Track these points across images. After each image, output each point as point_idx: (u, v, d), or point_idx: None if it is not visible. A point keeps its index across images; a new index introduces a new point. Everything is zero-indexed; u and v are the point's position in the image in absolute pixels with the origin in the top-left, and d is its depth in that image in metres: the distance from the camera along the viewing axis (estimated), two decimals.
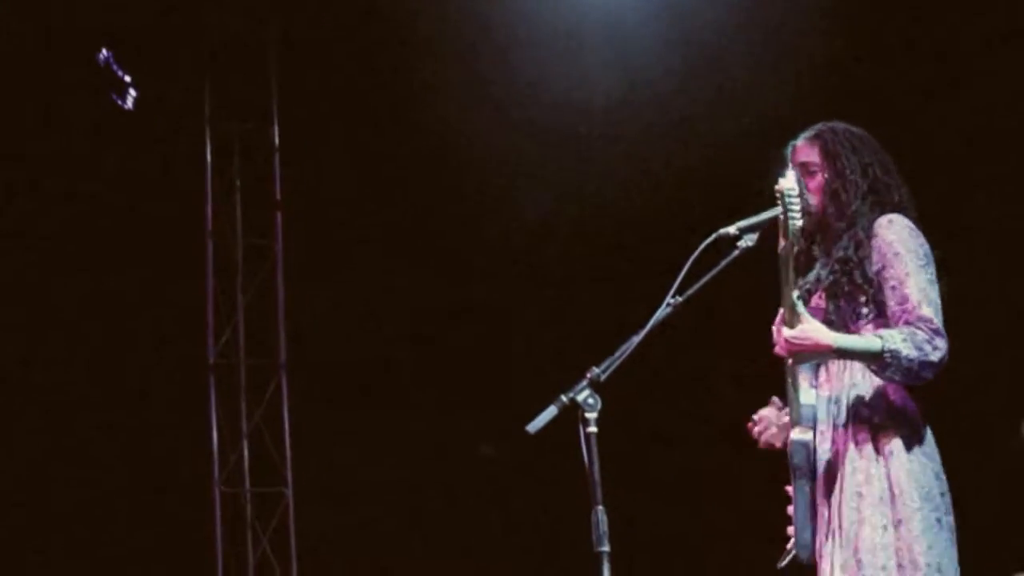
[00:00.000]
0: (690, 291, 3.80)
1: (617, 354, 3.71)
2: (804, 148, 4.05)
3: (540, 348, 9.15)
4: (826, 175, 4.00)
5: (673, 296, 3.79)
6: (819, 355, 3.86)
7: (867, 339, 3.79)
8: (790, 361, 3.93)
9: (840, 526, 3.79)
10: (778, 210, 3.90)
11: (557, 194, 9.08)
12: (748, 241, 3.87)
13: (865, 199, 3.96)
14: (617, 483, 3.80)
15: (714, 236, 3.87)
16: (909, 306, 3.79)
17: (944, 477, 3.85)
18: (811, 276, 4.02)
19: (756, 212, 3.92)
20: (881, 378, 3.80)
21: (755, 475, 4.47)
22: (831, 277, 3.94)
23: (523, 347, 9.24)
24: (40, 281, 8.66)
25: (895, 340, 3.74)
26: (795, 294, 3.84)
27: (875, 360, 3.76)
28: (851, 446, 3.84)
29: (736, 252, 3.88)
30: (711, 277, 3.83)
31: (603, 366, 3.68)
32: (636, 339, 3.73)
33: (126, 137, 8.85)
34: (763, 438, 4.09)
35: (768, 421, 4.09)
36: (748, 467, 4.69)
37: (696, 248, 3.81)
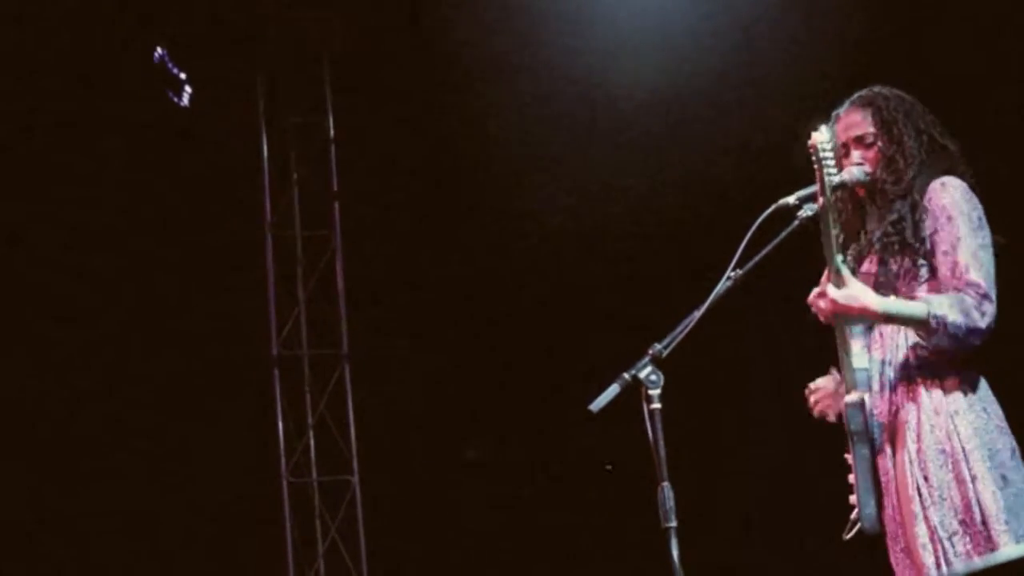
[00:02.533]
0: (750, 264, 3.77)
1: (679, 329, 3.69)
2: (855, 118, 3.96)
3: (610, 337, 9.11)
4: (881, 143, 3.93)
5: (733, 269, 3.77)
6: (864, 319, 3.82)
7: (913, 304, 3.75)
8: (836, 324, 3.88)
9: (926, 481, 3.72)
10: (838, 179, 3.87)
11: (612, 183, 9.07)
12: (808, 211, 3.84)
13: (922, 165, 3.90)
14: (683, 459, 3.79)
15: (773, 207, 3.85)
16: (959, 271, 3.74)
17: (1010, 432, 3.79)
18: (863, 240, 3.98)
19: (814, 181, 3.87)
20: (928, 344, 3.75)
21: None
22: (883, 240, 3.89)
23: (600, 329, 9.18)
24: (101, 278, 8.75)
25: (942, 306, 3.69)
26: (839, 256, 3.79)
27: (921, 326, 3.72)
28: (919, 404, 3.79)
29: (796, 223, 3.85)
30: (772, 249, 3.80)
31: (665, 342, 3.67)
32: (697, 314, 3.71)
33: (183, 134, 8.91)
34: (818, 408, 4.05)
35: (825, 391, 4.05)
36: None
37: (755, 220, 3.79)
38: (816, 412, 4.06)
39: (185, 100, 8.92)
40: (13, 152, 8.40)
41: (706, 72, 8.42)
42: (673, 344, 3.67)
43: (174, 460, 8.84)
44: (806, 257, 4.00)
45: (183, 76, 8.91)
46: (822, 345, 4.12)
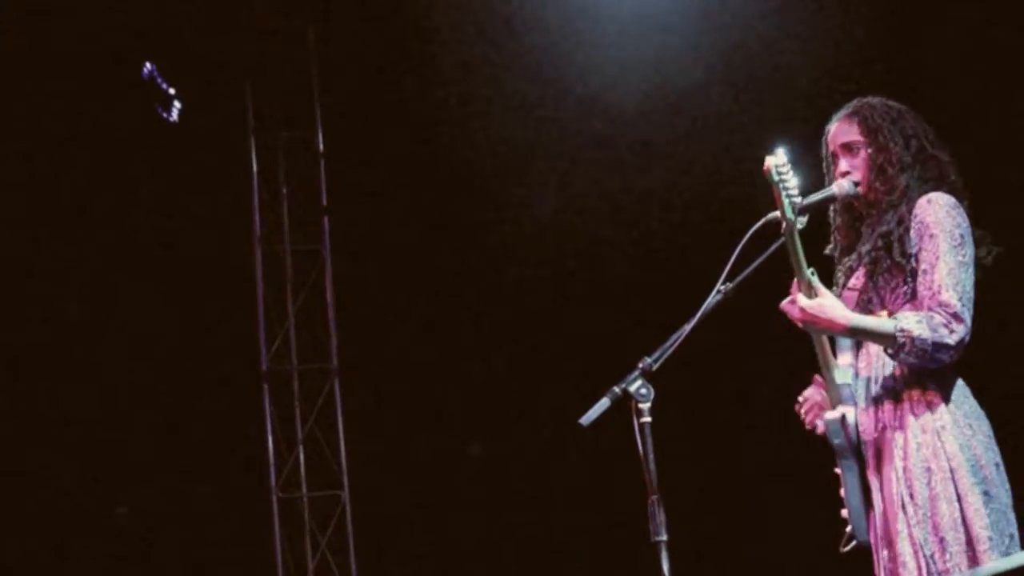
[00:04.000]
0: (740, 278, 3.77)
1: (668, 343, 3.70)
2: (843, 127, 3.97)
3: (596, 350, 9.11)
4: (869, 150, 3.93)
5: (723, 283, 3.77)
6: (830, 331, 3.82)
7: (882, 320, 3.76)
8: (811, 336, 3.88)
9: (912, 499, 3.73)
10: (827, 192, 3.88)
11: (598, 192, 9.08)
12: (798, 224, 3.84)
13: (913, 171, 3.90)
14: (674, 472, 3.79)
15: (762, 221, 3.84)
16: (933, 290, 3.75)
17: (996, 446, 3.80)
18: (854, 254, 3.98)
19: (804, 195, 3.88)
20: (896, 360, 3.76)
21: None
22: (872, 253, 3.89)
23: (593, 342, 9.17)
24: (90, 292, 8.74)
25: (909, 321, 3.71)
26: (809, 270, 3.79)
27: (889, 341, 3.73)
28: (905, 421, 3.79)
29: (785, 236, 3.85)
30: (761, 263, 3.80)
31: (655, 355, 3.67)
32: (687, 328, 3.71)
33: (172, 149, 8.91)
34: (808, 419, 4.06)
35: (812, 401, 4.05)
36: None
37: (745, 234, 3.79)
38: (807, 423, 4.06)
39: (174, 115, 8.92)
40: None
41: (693, 74, 8.43)
42: (663, 358, 3.67)
43: (164, 475, 8.82)
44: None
45: (172, 91, 8.91)
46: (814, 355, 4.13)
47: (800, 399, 4.09)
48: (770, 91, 8.36)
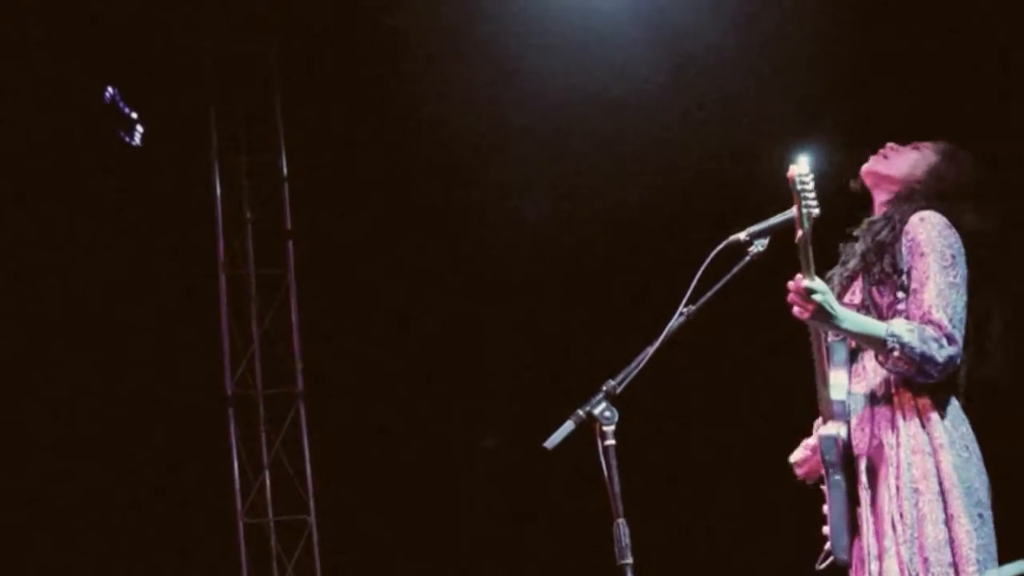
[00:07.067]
0: (702, 300, 3.78)
1: (632, 365, 3.70)
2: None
3: (563, 366, 9.12)
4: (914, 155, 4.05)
5: (686, 305, 3.78)
6: (826, 324, 3.78)
7: (875, 323, 3.78)
8: (816, 354, 3.90)
9: (901, 518, 3.75)
10: (788, 214, 3.88)
11: (562, 207, 9.08)
12: (759, 247, 3.85)
13: (915, 192, 4.00)
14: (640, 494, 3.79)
15: (724, 244, 3.85)
16: (923, 309, 3.77)
17: (984, 469, 3.83)
18: (850, 264, 4.00)
19: (766, 217, 3.90)
20: (886, 368, 3.78)
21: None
22: (864, 261, 3.93)
23: (546, 367, 9.18)
24: (54, 320, 8.69)
25: (900, 327, 3.73)
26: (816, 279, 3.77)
27: (879, 345, 3.74)
28: (898, 438, 3.81)
29: (747, 258, 3.86)
30: (723, 285, 3.81)
31: (619, 378, 3.67)
32: (651, 350, 3.71)
33: (135, 173, 8.88)
34: (807, 477, 4.08)
35: (804, 458, 4.07)
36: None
37: (707, 256, 3.80)
38: (809, 482, 4.08)
39: (137, 140, 8.89)
40: None
41: (651, 75, 8.45)
42: (627, 380, 3.68)
43: (129, 501, 8.76)
44: (759, 290, 4.02)
45: (135, 116, 8.89)
46: (784, 377, 4.13)
47: (795, 462, 4.10)
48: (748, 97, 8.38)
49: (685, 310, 3.77)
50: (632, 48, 8.35)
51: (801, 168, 3.66)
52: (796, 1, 7.93)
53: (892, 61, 7.78)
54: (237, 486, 9.04)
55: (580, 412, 3.62)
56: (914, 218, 3.89)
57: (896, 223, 3.92)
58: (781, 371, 4.07)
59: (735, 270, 3.84)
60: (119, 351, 8.84)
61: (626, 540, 3.58)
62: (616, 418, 3.62)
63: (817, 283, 3.71)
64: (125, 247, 8.89)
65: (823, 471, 3.90)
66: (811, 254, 3.74)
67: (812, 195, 3.67)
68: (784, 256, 3.88)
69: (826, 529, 3.91)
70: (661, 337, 3.73)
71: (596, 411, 3.62)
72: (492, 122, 8.93)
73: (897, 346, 3.70)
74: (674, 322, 3.77)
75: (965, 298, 3.80)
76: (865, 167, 4.12)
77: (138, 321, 8.88)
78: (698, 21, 8.15)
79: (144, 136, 8.88)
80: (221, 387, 9.14)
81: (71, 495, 8.66)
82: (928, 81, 7.58)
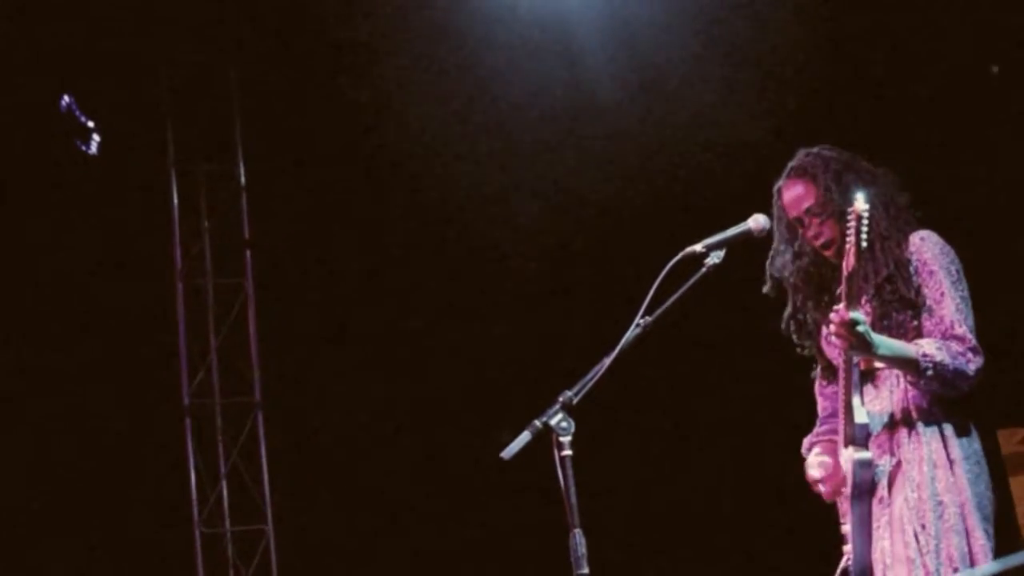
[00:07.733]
0: (659, 311, 3.81)
1: (588, 377, 3.72)
2: (797, 191, 4.09)
3: (533, 375, 9.10)
4: (834, 217, 4.02)
5: (642, 317, 3.80)
6: (865, 352, 3.85)
7: (905, 345, 3.88)
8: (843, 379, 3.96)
9: (923, 529, 3.84)
10: (743, 227, 3.96)
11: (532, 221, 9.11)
12: (715, 258, 3.91)
13: (887, 216, 4.03)
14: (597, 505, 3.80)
15: (681, 255, 3.89)
16: (944, 326, 3.90)
17: (991, 484, 3.97)
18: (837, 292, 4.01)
19: (722, 229, 3.95)
20: (917, 388, 3.89)
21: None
22: (880, 296, 3.98)
23: (513, 375, 9.17)
24: (7, 328, 8.63)
25: (930, 347, 3.85)
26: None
27: (912, 366, 3.84)
28: (920, 455, 3.91)
29: (704, 270, 3.91)
30: (679, 296, 3.84)
31: (575, 389, 3.69)
32: (607, 361, 3.74)
33: (91, 182, 8.83)
34: (830, 498, 4.14)
35: (830, 480, 4.12)
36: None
37: (663, 268, 3.83)
38: (827, 497, 4.13)
39: (93, 148, 8.85)
40: None
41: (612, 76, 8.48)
42: (583, 391, 3.69)
43: (86, 510, 8.71)
44: (718, 301, 4.05)
45: (91, 124, 8.84)
46: (745, 388, 4.17)
47: (817, 479, 4.15)
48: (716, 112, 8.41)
49: (641, 321, 3.81)
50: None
51: (862, 204, 3.70)
52: (770, 10, 8.00)
53: (862, 78, 7.86)
54: (194, 495, 9.01)
55: (537, 423, 3.64)
56: (914, 238, 4.02)
57: (894, 250, 3.99)
58: (741, 382, 4.11)
59: (691, 281, 3.88)
60: (75, 360, 8.78)
61: (582, 550, 3.59)
62: (572, 429, 3.64)
63: (860, 314, 3.80)
64: (82, 256, 8.83)
65: (847, 491, 3.99)
66: (857, 283, 3.80)
67: (867, 230, 3.72)
68: (740, 268, 3.94)
69: (847, 548, 4.01)
70: (617, 348, 3.75)
71: (552, 422, 3.64)
72: (455, 130, 8.94)
73: (931, 365, 3.82)
74: (630, 333, 3.80)
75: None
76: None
77: (95, 330, 8.82)
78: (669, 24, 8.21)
79: (100, 145, 8.83)
80: (178, 396, 9.10)
81: (26, 505, 8.59)
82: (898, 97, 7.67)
